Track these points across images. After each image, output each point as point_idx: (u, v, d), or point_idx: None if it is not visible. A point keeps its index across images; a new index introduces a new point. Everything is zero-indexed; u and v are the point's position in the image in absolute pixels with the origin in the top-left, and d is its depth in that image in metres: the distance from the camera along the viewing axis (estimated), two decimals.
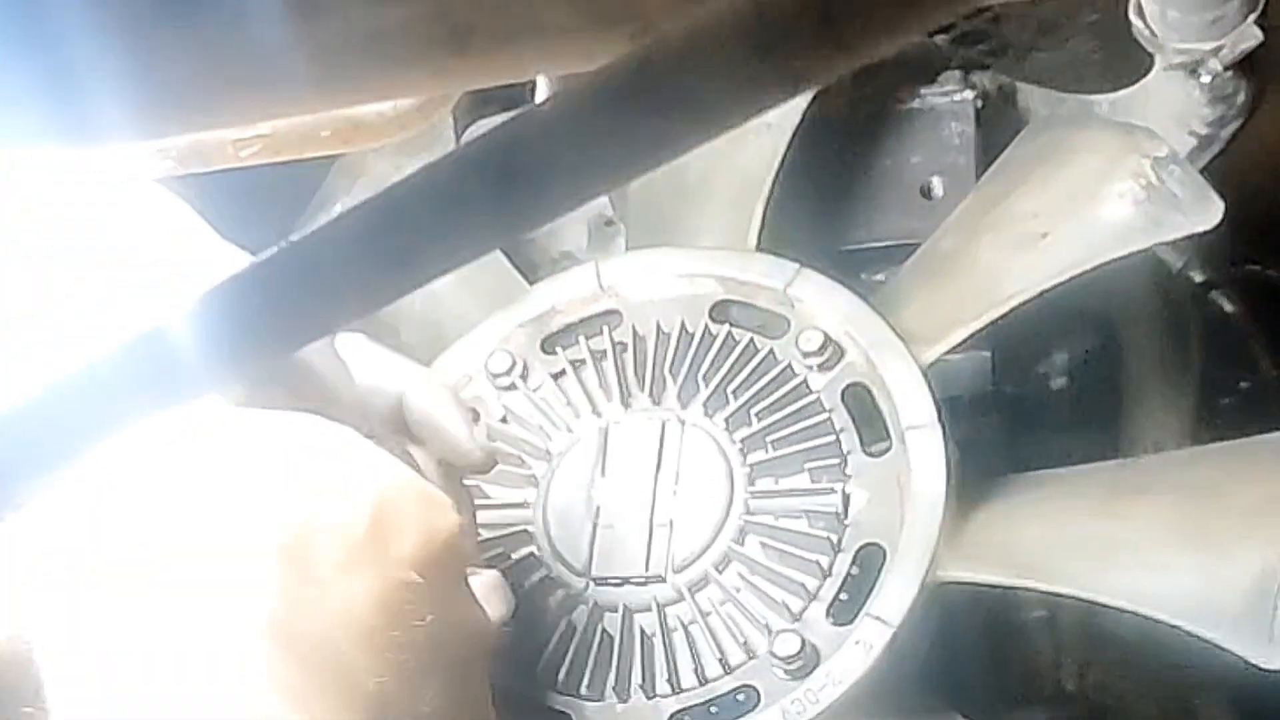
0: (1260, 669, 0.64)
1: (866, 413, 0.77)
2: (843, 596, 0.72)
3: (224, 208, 0.67)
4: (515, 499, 0.80)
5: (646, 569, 0.75)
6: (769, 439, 0.78)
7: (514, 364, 0.84)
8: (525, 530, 0.79)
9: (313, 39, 0.38)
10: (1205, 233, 0.77)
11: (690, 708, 0.72)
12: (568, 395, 0.83)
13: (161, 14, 0.38)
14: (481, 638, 0.60)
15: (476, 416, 0.84)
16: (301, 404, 0.57)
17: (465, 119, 0.97)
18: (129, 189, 0.60)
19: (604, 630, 0.75)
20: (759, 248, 0.85)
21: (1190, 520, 0.71)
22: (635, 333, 0.84)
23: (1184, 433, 0.90)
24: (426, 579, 0.55)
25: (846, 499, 0.75)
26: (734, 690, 0.72)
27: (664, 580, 0.75)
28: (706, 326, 0.82)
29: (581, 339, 0.85)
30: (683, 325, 0.83)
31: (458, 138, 0.95)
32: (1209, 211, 0.76)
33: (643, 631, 0.74)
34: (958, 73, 0.95)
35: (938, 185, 0.92)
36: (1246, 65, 0.90)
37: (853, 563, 0.73)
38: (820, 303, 0.81)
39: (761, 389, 0.79)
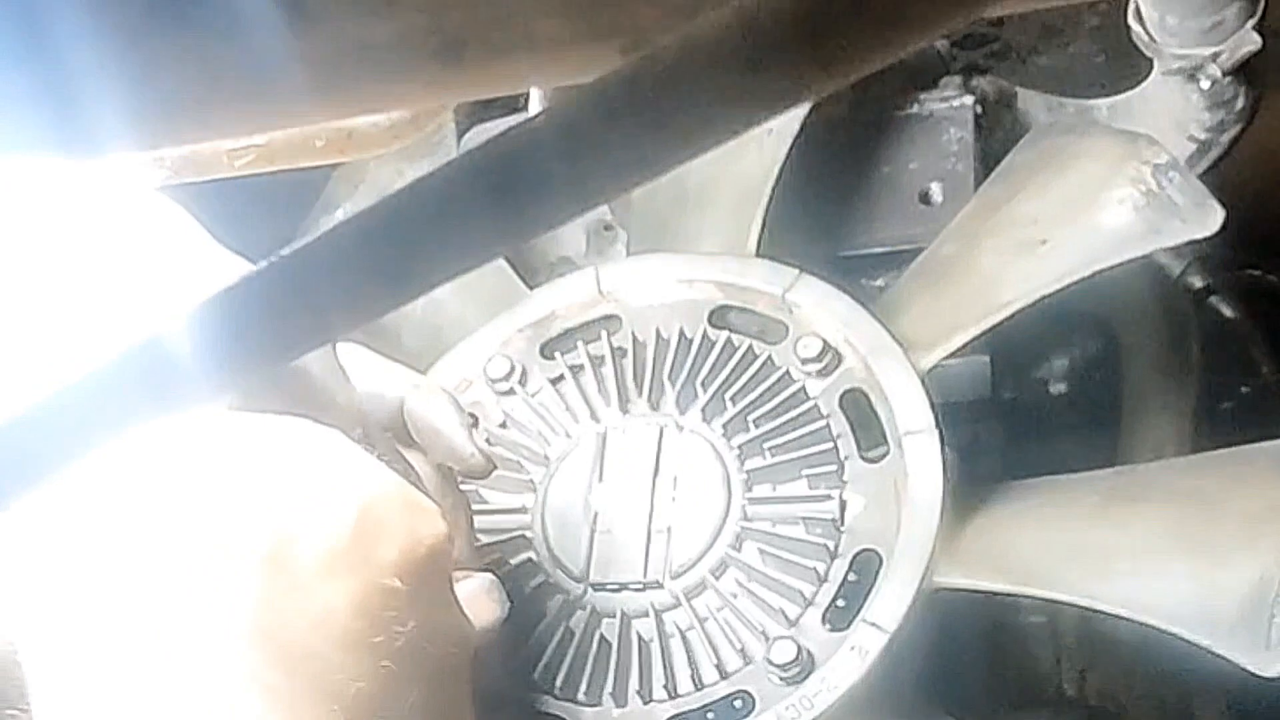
0: (1257, 676, 0.64)
1: (864, 418, 0.77)
2: (839, 602, 0.73)
3: (224, 213, 0.68)
4: (513, 504, 0.80)
5: (644, 575, 0.75)
6: (766, 445, 0.78)
7: (513, 369, 0.84)
8: (523, 535, 0.79)
9: (307, 51, 0.39)
10: (1205, 238, 0.77)
11: (686, 713, 0.72)
12: (566, 400, 0.83)
13: (157, 26, 0.38)
14: (464, 644, 0.60)
15: (475, 421, 0.84)
16: (295, 408, 0.57)
17: (466, 123, 0.97)
18: (127, 196, 0.61)
19: (601, 636, 0.75)
20: (758, 253, 0.86)
21: (1187, 528, 0.71)
22: (634, 338, 0.84)
23: (1184, 437, 0.90)
24: (409, 585, 0.55)
25: (843, 505, 0.75)
26: (730, 696, 0.72)
27: (661, 586, 0.75)
28: (705, 332, 0.83)
29: (580, 344, 0.85)
30: (681, 331, 0.83)
31: (459, 142, 0.95)
32: (1209, 218, 0.76)
33: (640, 637, 0.74)
34: (957, 78, 0.95)
35: (936, 191, 0.92)
36: (1245, 71, 0.90)
37: (849, 569, 0.73)
38: (819, 308, 0.81)
39: (759, 395, 0.79)
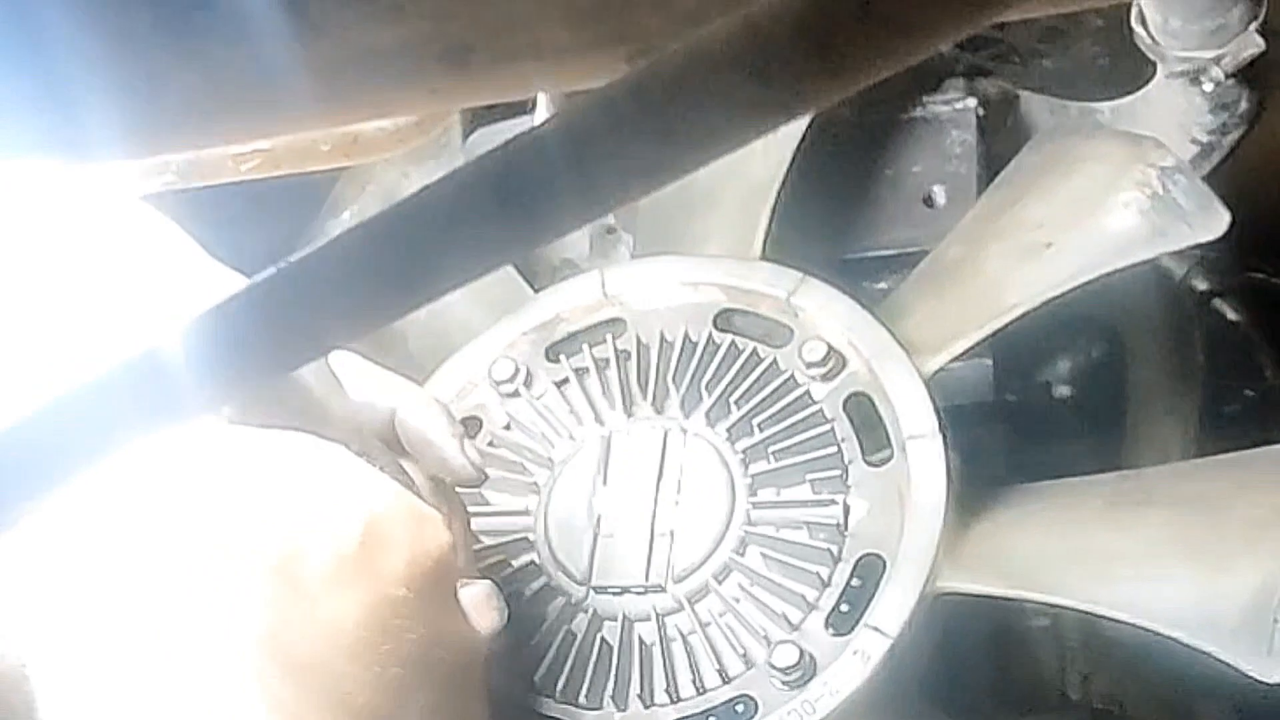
0: (1259, 682, 0.64)
1: (868, 423, 0.77)
2: (842, 607, 0.72)
3: (225, 216, 0.68)
4: (517, 506, 0.80)
5: (646, 578, 0.75)
6: (771, 449, 0.78)
7: (518, 371, 0.84)
8: (526, 538, 0.79)
9: (313, 58, 0.39)
10: (1210, 241, 0.77)
11: (688, 717, 0.72)
12: (571, 403, 0.83)
13: (164, 34, 0.38)
14: (472, 651, 0.60)
15: (479, 425, 0.84)
16: (294, 421, 0.58)
17: (471, 125, 0.97)
18: (116, 208, 0.61)
19: (603, 639, 0.75)
20: (763, 256, 0.85)
21: (1190, 533, 0.71)
22: (639, 341, 0.84)
23: (1188, 441, 0.90)
24: (415, 594, 0.55)
25: (847, 510, 0.75)
26: (732, 700, 0.72)
27: (664, 590, 0.75)
28: (710, 335, 0.83)
29: (585, 347, 0.85)
30: (686, 334, 0.83)
31: (464, 143, 0.95)
32: (1215, 222, 0.76)
33: (642, 641, 0.74)
34: (960, 80, 0.95)
35: (939, 194, 0.92)
36: (1249, 73, 0.90)
37: (852, 573, 0.73)
38: (823, 312, 0.81)
39: (764, 399, 0.79)
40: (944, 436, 0.75)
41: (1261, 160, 0.95)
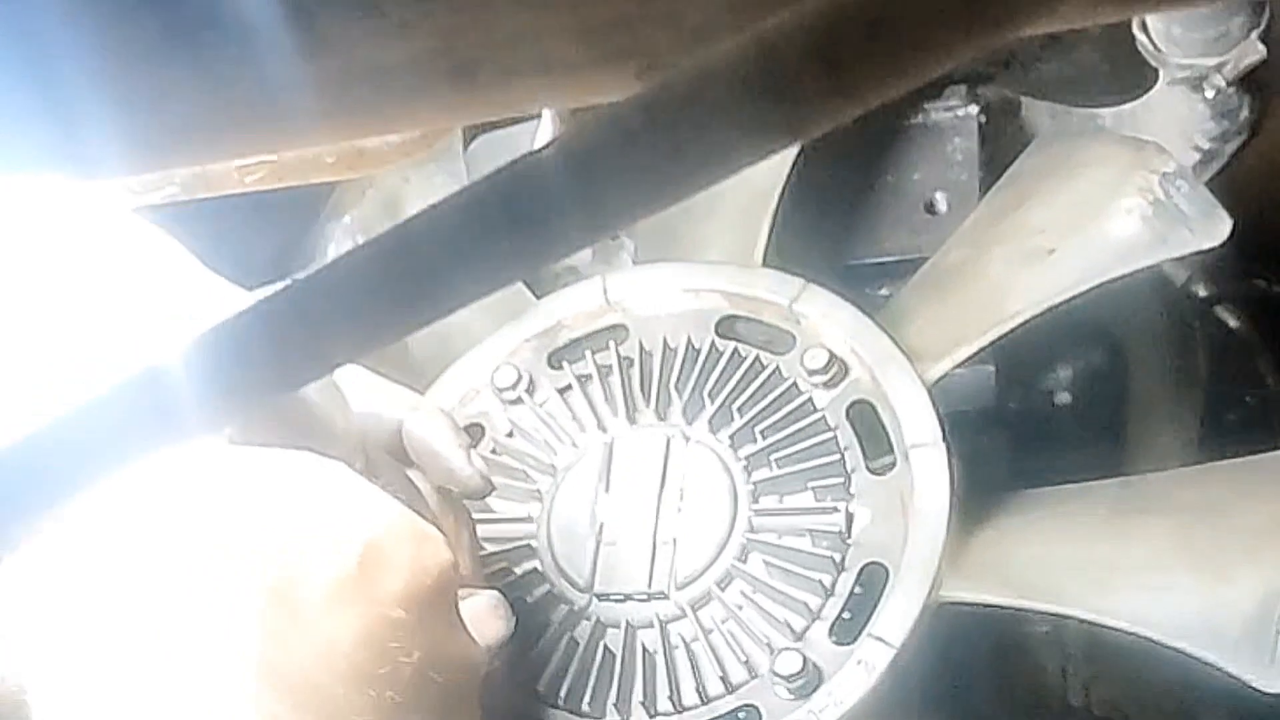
0: (1261, 692, 0.64)
1: (871, 431, 0.77)
2: (845, 615, 0.73)
3: (229, 220, 0.67)
4: (520, 513, 0.80)
5: (649, 585, 0.75)
6: (773, 457, 0.78)
7: (520, 378, 0.84)
8: (529, 545, 0.79)
9: (320, 74, 0.39)
10: (1210, 248, 0.77)
11: None
12: (573, 410, 0.83)
13: (171, 49, 0.38)
14: (469, 671, 0.60)
15: (482, 432, 0.84)
16: (296, 437, 0.58)
17: (472, 132, 0.97)
18: (115, 223, 0.61)
19: (606, 647, 0.75)
20: (765, 263, 0.85)
21: (1193, 541, 0.71)
22: (641, 348, 0.84)
23: (1189, 447, 0.90)
24: (414, 615, 0.55)
25: (850, 518, 0.75)
26: (736, 709, 0.72)
27: (667, 597, 0.75)
28: (713, 342, 0.83)
29: (588, 354, 0.85)
30: (689, 341, 0.83)
31: (465, 149, 0.95)
32: (1216, 228, 0.76)
33: (645, 648, 0.74)
34: (962, 87, 0.95)
35: (941, 201, 0.93)
36: (1250, 81, 0.90)
37: (855, 582, 0.73)
38: (826, 319, 0.81)
39: (766, 406, 0.79)
40: (947, 445, 0.75)
41: (1262, 167, 0.95)
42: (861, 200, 0.94)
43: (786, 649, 0.71)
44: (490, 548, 0.79)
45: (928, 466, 0.74)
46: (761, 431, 0.78)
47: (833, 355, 0.79)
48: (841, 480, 0.76)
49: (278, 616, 0.52)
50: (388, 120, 0.42)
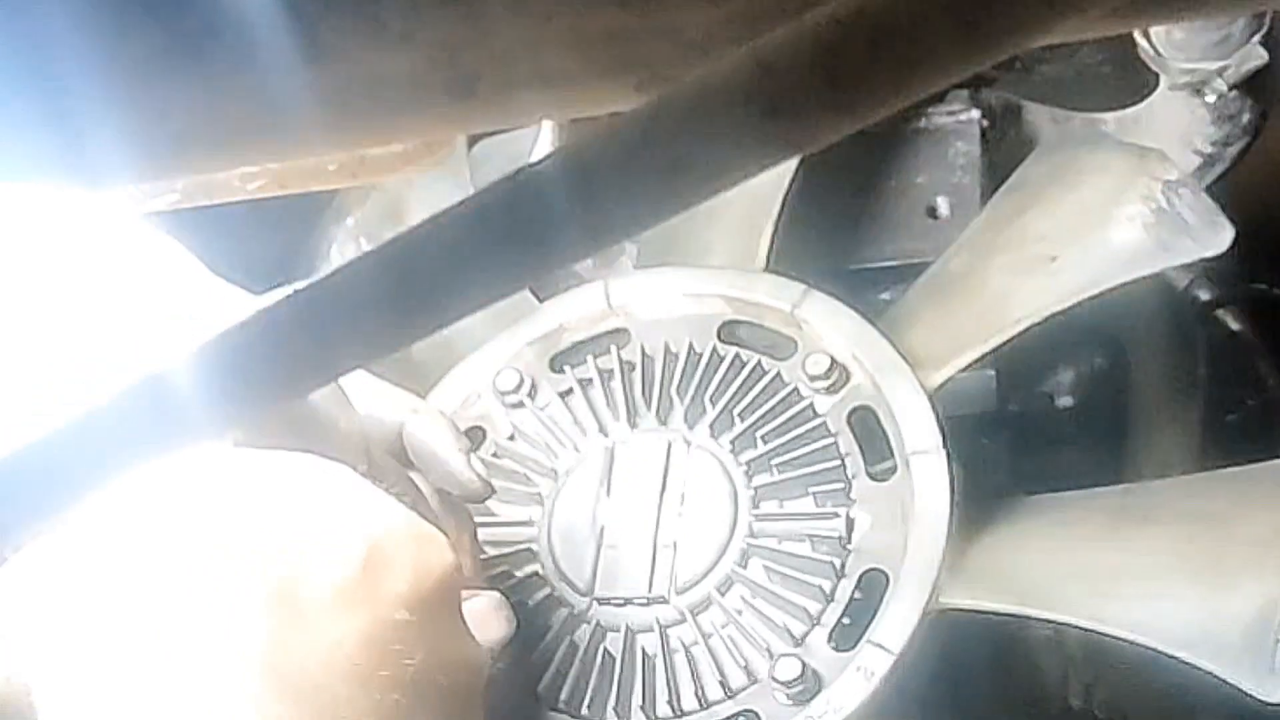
0: (1261, 702, 0.64)
1: (872, 437, 0.77)
2: (845, 621, 0.73)
3: (231, 223, 0.67)
4: (521, 517, 0.80)
5: (649, 590, 0.75)
6: (774, 462, 0.78)
7: (522, 382, 0.84)
8: (529, 549, 0.79)
9: (321, 85, 0.39)
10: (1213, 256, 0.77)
11: None
12: (575, 414, 0.83)
13: (172, 60, 0.38)
14: (475, 673, 0.60)
15: (483, 435, 0.84)
16: (299, 440, 0.58)
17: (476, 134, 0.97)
18: (119, 227, 0.61)
19: (606, 650, 0.75)
20: (767, 267, 0.85)
21: (1194, 550, 0.71)
22: (643, 352, 0.84)
23: (1190, 451, 0.90)
24: (417, 617, 0.55)
25: (850, 523, 0.75)
26: (735, 715, 0.72)
27: (667, 601, 0.75)
28: (714, 347, 0.83)
29: (590, 358, 0.85)
30: (690, 345, 0.83)
31: (470, 151, 0.95)
32: (1219, 236, 0.76)
33: (644, 652, 0.74)
34: (963, 91, 0.95)
35: (943, 205, 0.93)
36: (1252, 85, 0.90)
37: (855, 588, 0.73)
38: (828, 325, 0.81)
39: (768, 411, 0.79)
40: (948, 452, 0.75)
41: (1264, 171, 0.95)
42: (863, 205, 0.94)
43: (786, 655, 0.71)
44: (491, 551, 0.79)
45: (928, 473, 0.74)
46: (762, 437, 0.79)
47: (834, 361, 0.79)
48: (842, 486, 0.76)
49: (281, 619, 0.52)
50: (388, 130, 0.42)
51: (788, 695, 0.71)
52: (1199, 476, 0.80)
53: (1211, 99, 0.91)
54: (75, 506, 0.38)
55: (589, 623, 0.76)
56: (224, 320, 0.36)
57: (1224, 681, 0.65)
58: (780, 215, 0.87)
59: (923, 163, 0.94)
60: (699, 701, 0.72)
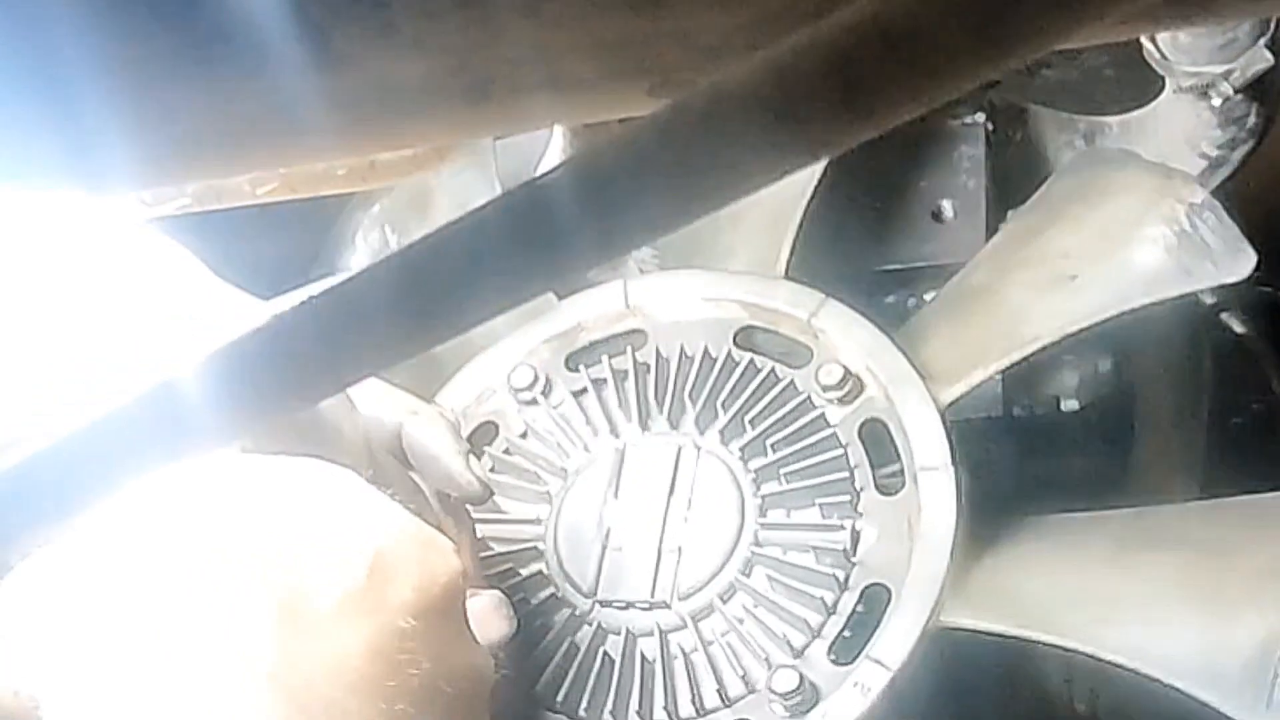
0: None
1: (882, 450, 0.77)
2: (846, 634, 0.72)
3: (240, 224, 0.67)
4: (529, 515, 0.81)
5: (652, 594, 0.75)
6: (783, 471, 0.77)
7: (537, 379, 0.85)
8: (536, 547, 0.79)
9: (334, 90, 0.39)
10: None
11: None
12: (587, 414, 0.83)
13: (182, 65, 0.38)
14: (480, 680, 0.60)
15: (495, 431, 0.84)
16: (305, 444, 0.58)
17: None
18: (126, 232, 0.61)
19: (605, 653, 0.75)
20: (787, 273, 0.85)
21: (1197, 579, 0.70)
22: (658, 354, 0.84)
23: (1195, 454, 0.90)
24: (423, 624, 0.55)
25: (856, 536, 0.75)
26: None
27: (668, 607, 0.75)
28: (729, 352, 0.82)
29: (605, 358, 0.85)
30: (706, 350, 0.83)
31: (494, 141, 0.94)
32: (1241, 263, 0.76)
33: (643, 657, 0.74)
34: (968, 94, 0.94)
35: (948, 208, 0.93)
36: (1257, 88, 0.90)
37: (858, 601, 0.73)
38: (843, 335, 0.81)
39: (779, 420, 0.79)
40: (956, 470, 0.74)
41: (1270, 174, 0.95)
42: (868, 208, 0.94)
43: (784, 666, 0.71)
44: (498, 548, 0.79)
45: (936, 490, 0.74)
46: (773, 445, 0.78)
47: (848, 372, 0.79)
48: (849, 498, 0.76)
49: (288, 628, 0.52)
50: (400, 136, 0.42)
51: (784, 707, 0.70)
52: (1206, 504, 0.79)
53: (1217, 102, 0.91)
54: (84, 513, 0.38)
55: (590, 624, 0.76)
56: (232, 324, 0.36)
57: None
58: (803, 222, 0.86)
59: (928, 166, 0.94)
60: (695, 709, 0.72)
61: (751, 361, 0.82)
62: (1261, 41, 0.88)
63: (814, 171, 0.87)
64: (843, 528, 0.75)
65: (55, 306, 0.60)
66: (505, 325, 0.86)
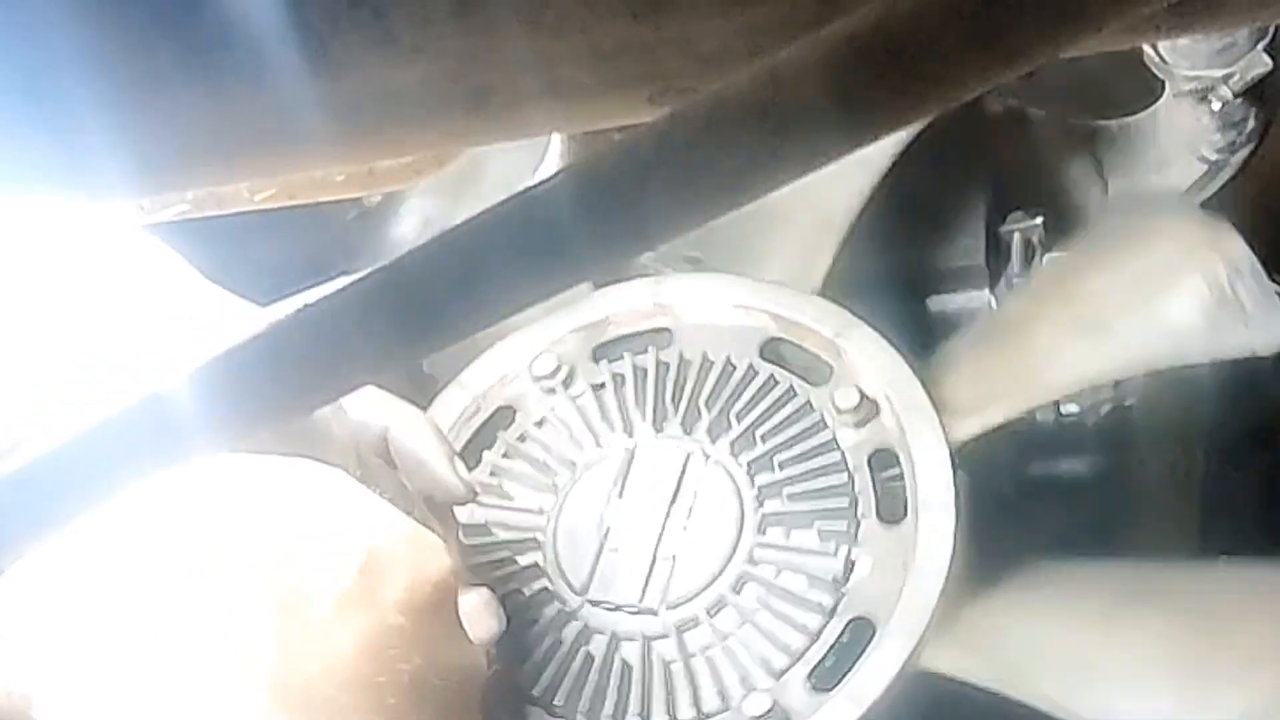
0: None
1: (888, 480, 0.77)
2: (827, 663, 0.72)
3: (238, 228, 0.67)
4: (533, 504, 0.81)
5: (641, 599, 0.75)
6: (787, 490, 0.77)
7: (559, 368, 0.85)
8: (535, 538, 0.79)
9: (331, 98, 0.39)
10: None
11: None
12: (604, 409, 0.83)
13: (182, 73, 0.38)
14: (471, 676, 0.61)
15: (513, 416, 0.84)
16: (295, 445, 0.58)
17: None
18: (121, 235, 0.61)
19: (588, 652, 0.75)
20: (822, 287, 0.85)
21: (1183, 652, 0.69)
22: (681, 356, 0.84)
23: (1196, 459, 0.89)
24: (413, 622, 0.55)
25: (850, 565, 0.74)
26: None
27: (655, 614, 0.75)
28: (752, 364, 0.82)
29: (628, 354, 0.85)
30: (729, 358, 0.83)
31: None
32: (1273, 329, 0.74)
33: (624, 662, 0.74)
34: None
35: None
36: (1257, 92, 0.90)
37: (843, 631, 0.73)
38: (865, 357, 0.80)
39: (791, 438, 0.79)
40: (957, 510, 0.74)
41: (1268, 178, 0.95)
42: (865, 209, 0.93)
43: (758, 690, 0.71)
44: (500, 534, 0.80)
45: (934, 529, 0.74)
46: (780, 463, 0.78)
47: (865, 396, 0.79)
48: (849, 526, 0.76)
49: (284, 627, 0.52)
50: (399, 144, 0.42)
51: None
52: (1207, 570, 0.76)
53: (1216, 106, 0.90)
54: (78, 520, 0.38)
55: (577, 621, 0.76)
56: (229, 330, 0.36)
57: None
58: (848, 237, 0.85)
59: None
60: (669, 718, 0.72)
61: (771, 375, 0.81)
62: (1260, 46, 0.88)
63: (864, 186, 0.86)
64: (838, 554, 0.75)
65: (55, 308, 0.60)
66: (537, 309, 0.85)
